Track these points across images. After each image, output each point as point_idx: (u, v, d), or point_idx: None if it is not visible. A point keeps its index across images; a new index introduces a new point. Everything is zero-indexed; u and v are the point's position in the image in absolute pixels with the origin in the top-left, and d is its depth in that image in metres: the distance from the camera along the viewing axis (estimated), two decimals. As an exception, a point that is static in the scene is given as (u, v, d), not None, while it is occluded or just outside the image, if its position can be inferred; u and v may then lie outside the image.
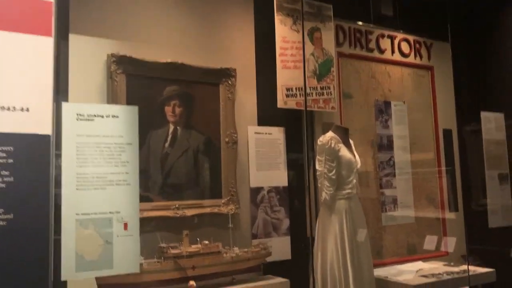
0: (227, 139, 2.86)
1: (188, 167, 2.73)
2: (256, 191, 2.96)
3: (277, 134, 3.08)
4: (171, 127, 2.70)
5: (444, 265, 3.30)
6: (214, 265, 2.50)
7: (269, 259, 2.78)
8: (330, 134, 2.80)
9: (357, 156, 2.88)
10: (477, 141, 3.64)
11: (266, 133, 3.04)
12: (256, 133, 3.01)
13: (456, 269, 3.09)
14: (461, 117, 3.78)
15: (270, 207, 2.99)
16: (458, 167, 3.83)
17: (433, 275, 2.90)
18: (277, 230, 2.99)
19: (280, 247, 2.97)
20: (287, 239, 3.02)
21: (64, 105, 1.83)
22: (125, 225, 1.84)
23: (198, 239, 2.53)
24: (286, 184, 3.07)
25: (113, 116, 1.89)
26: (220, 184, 2.83)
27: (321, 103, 3.11)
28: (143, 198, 2.56)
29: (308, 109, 3.05)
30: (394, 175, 2.95)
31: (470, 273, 2.99)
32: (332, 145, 2.73)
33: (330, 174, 2.72)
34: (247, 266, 2.62)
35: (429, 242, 3.79)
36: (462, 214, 3.71)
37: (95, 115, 1.85)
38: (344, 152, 2.78)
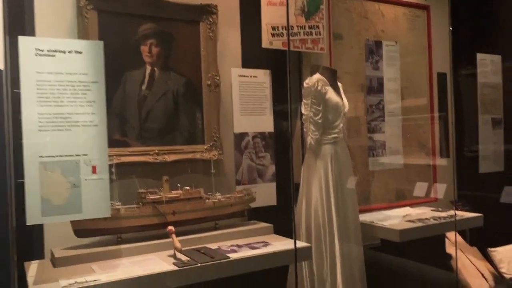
0: (209, 82, 2.72)
1: (168, 111, 2.60)
2: (240, 136, 2.85)
3: (262, 77, 2.93)
4: (148, 68, 2.55)
5: (432, 210, 3.26)
6: (195, 211, 2.44)
7: (253, 205, 2.72)
8: (317, 76, 2.66)
9: (345, 100, 2.76)
10: (472, 85, 3.50)
11: (251, 76, 2.90)
12: (240, 75, 2.86)
13: (443, 214, 3.05)
14: (457, 59, 3.63)
15: (255, 153, 2.90)
16: (451, 112, 3.73)
17: (419, 220, 2.87)
18: (262, 176, 2.92)
19: (265, 193, 2.90)
20: (273, 185, 2.95)
21: (21, 39, 1.67)
22: (94, 168, 1.74)
23: (179, 185, 2.45)
24: (272, 129, 2.96)
25: (76, 52, 1.73)
26: (202, 129, 2.72)
27: (309, 44, 2.93)
28: (120, 143, 2.46)
29: (294, 49, 2.88)
30: (383, 119, 2.84)
31: (458, 218, 2.95)
32: (319, 88, 2.60)
33: (316, 118, 2.61)
34: (230, 212, 2.56)
35: (419, 188, 3.76)
36: (453, 160, 3.65)
37: (55, 51, 1.70)
38: (331, 95, 2.65)
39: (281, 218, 2.83)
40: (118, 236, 2.27)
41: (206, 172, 2.70)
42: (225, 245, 2.35)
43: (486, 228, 3.37)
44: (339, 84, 2.83)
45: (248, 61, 2.93)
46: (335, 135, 2.65)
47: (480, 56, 3.36)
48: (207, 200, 2.49)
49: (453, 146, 3.60)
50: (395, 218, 2.94)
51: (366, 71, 2.80)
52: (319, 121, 2.61)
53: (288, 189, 2.97)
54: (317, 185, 2.62)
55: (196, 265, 2.00)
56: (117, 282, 1.81)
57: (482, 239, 3.65)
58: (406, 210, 3.24)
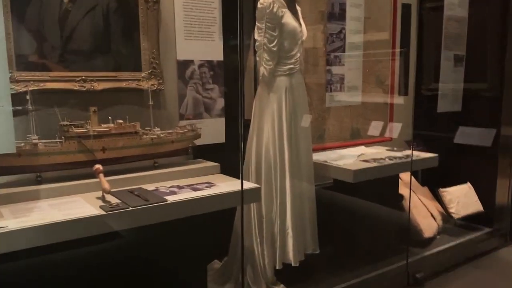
0: (147, -2, 2.31)
1: (97, 30, 2.20)
2: (184, 64, 2.51)
3: (210, -5, 2.55)
4: (71, -24, 2.11)
5: (387, 150, 3.14)
6: (129, 147, 2.14)
7: (199, 142, 2.45)
8: (267, -4, 2.32)
9: (303, 25, 2.46)
10: (437, 18, 3.28)
11: (197, -6, 2.51)
12: (184, -8, 2.46)
13: (399, 154, 2.93)
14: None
15: (202, 84, 2.58)
16: (414, 47, 3.52)
17: (374, 159, 2.73)
18: (209, 110, 2.63)
19: (213, 130, 2.64)
20: (221, 120, 2.68)
21: None
22: (-11, 93, 1.38)
23: (110, 117, 2.12)
24: (221, 58, 2.63)
25: None
26: (139, 54, 2.34)
27: (265, -41, 2.55)
28: (37, 67, 2.07)
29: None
30: (344, 50, 2.58)
31: (415, 158, 2.84)
32: (274, 10, 2.27)
33: (271, 46, 2.31)
34: (171, 150, 2.28)
35: (374, 128, 3.62)
36: (412, 98, 3.50)
37: None
38: (288, 19, 2.34)
39: (229, 157, 2.58)
40: (38, 175, 1.95)
41: (143, 104, 2.36)
42: (164, 186, 2.10)
43: (439, 168, 3.33)
44: (298, 8, 2.51)
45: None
46: (291, 66, 2.37)
47: (447, -14, 3.12)
48: (144, 136, 2.19)
49: (413, 84, 3.43)
50: (350, 158, 2.78)
51: (328, -6, 2.50)
52: (274, 49, 2.31)
53: (238, 125, 2.72)
54: (269, 120, 2.38)
55: (127, 209, 1.74)
56: (29, 229, 1.52)
57: (434, 179, 3.62)
58: (361, 149, 3.10)
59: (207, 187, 2.09)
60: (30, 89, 1.98)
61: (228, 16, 2.61)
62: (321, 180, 2.92)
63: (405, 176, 3.40)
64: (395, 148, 3.17)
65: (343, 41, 2.58)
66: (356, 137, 3.34)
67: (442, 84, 3.21)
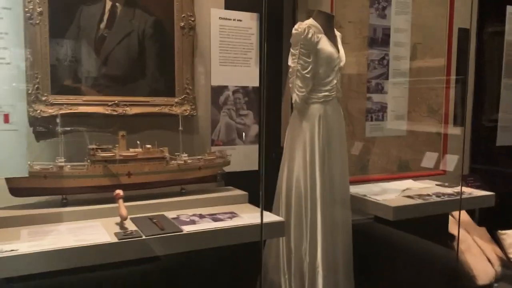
0: (182, 23, 2.32)
1: (131, 55, 2.23)
2: (218, 90, 2.48)
3: (248, 21, 2.52)
4: (109, 3, 2.16)
5: (437, 185, 2.88)
6: (156, 173, 2.12)
7: (232, 169, 2.39)
8: (309, 21, 2.24)
9: (341, 52, 2.33)
10: (498, 44, 3.02)
11: (234, 19, 2.48)
12: (221, 18, 2.45)
13: (449, 190, 2.67)
14: (483, 13, 3.12)
15: (236, 110, 2.53)
16: (472, 74, 3.26)
17: (420, 195, 2.50)
18: (243, 137, 2.56)
19: (245, 157, 2.56)
20: (255, 147, 2.60)
21: None
22: (6, 117, 1.41)
23: (138, 142, 2.12)
24: (256, 84, 2.57)
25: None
26: (173, 79, 2.35)
27: (305, -16, 2.49)
28: (71, 91, 2.12)
29: (287, -10, 2.44)
30: (387, 77, 2.41)
31: (465, 196, 2.57)
32: (309, 35, 2.18)
33: (304, 72, 2.21)
34: (199, 176, 2.23)
35: (428, 159, 3.37)
36: (465, 129, 3.22)
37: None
38: (324, 44, 2.23)
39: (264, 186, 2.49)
40: (63, 197, 1.97)
41: (175, 129, 2.34)
42: (186, 214, 2.04)
43: (499, 207, 3.00)
44: (337, 33, 2.40)
45: (233, 2, 2.50)
46: (326, 93, 2.25)
47: (510, 9, 2.86)
48: (171, 162, 2.16)
49: (468, 113, 3.16)
50: (393, 192, 2.57)
51: (370, 19, 2.35)
52: (308, 75, 2.21)
53: (273, 153, 2.62)
54: (301, 149, 2.26)
55: (140, 238, 1.70)
56: (38, 254, 1.51)
57: (493, 220, 3.27)
58: (408, 183, 2.87)
59: (229, 217, 2.01)
60: (61, 112, 2.03)
61: (266, 42, 2.56)
62: (362, 215, 2.73)
63: (458, 214, 3.10)
64: (446, 184, 2.90)
65: (386, 67, 2.42)
66: (404, 170, 3.11)
67: (503, 114, 2.91)
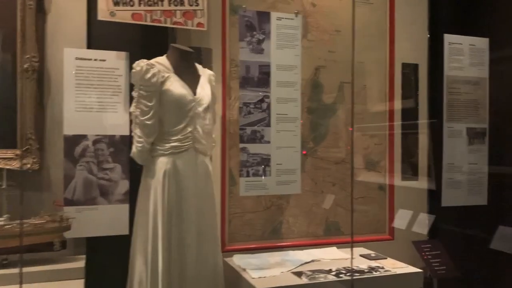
0: (26, 65, 2.03)
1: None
2: (73, 140, 2.12)
3: (114, 61, 2.17)
4: None
5: (362, 255, 2.30)
6: (-39, 241, 1.77)
7: (97, 233, 2.01)
8: (155, 59, 1.87)
9: (204, 93, 1.92)
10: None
11: (95, 59, 2.15)
12: (78, 58, 2.13)
13: (372, 263, 2.10)
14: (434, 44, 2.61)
15: (97, 164, 2.15)
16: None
17: (314, 272, 1.94)
18: (107, 195, 2.16)
19: (111, 219, 2.15)
20: (125, 207, 2.18)
21: None
22: None
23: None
24: (127, 132, 2.19)
25: None
26: (15, 129, 2.04)
27: (178, 17, 2.13)
28: None
29: (152, 23, 2.10)
30: (269, 124, 1.94)
31: (381, 273, 1.98)
32: (148, 75, 1.80)
33: (144, 118, 1.81)
34: (21, 244, 1.85)
35: (401, 218, 2.82)
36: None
37: None
38: (172, 85, 1.84)
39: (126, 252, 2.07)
40: None
41: (24, 186, 2.02)
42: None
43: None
44: (207, 72, 2.00)
45: (100, 41, 2.19)
46: (176, 144, 1.83)
47: (449, 38, 2.34)
48: (-13, 227, 1.80)
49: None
50: (288, 266, 2.05)
51: (241, 54, 1.93)
52: (148, 122, 1.81)
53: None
54: (143, 216, 1.83)
55: None
56: None
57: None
58: (324, 252, 2.32)
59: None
60: None
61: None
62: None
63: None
64: (372, 254, 2.32)
65: (266, 111, 1.96)
66: (334, 233, 2.56)
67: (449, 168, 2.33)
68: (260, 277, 1.88)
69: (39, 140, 2.07)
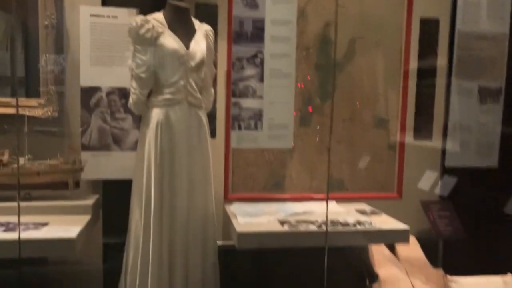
0: (46, 22, 2.24)
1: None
2: (89, 91, 2.33)
3: (126, 18, 2.32)
4: (-36, 5, 2.18)
5: (357, 210, 2.34)
6: (-10, 176, 2.07)
7: (109, 176, 2.28)
8: (151, 15, 1.98)
9: (197, 48, 2.01)
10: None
11: (108, 16, 2.32)
12: (92, 15, 2.30)
13: (362, 218, 2.15)
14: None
15: (111, 113, 2.36)
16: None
17: (305, 221, 2.03)
18: (119, 142, 2.38)
19: (121, 165, 2.37)
20: (134, 155, 2.39)
21: None
22: None
23: (-21, 144, 2.09)
24: (137, 85, 2.36)
25: None
26: (38, 80, 2.28)
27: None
28: None
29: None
30: (262, 79, 1.99)
31: (367, 227, 2.02)
32: (142, 30, 1.92)
33: (138, 71, 1.96)
34: (40, 182, 2.12)
35: (427, 179, 2.83)
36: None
37: None
38: (166, 40, 1.95)
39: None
40: None
41: (45, 132, 2.29)
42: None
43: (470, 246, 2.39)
44: (203, 27, 2.08)
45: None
46: (168, 96, 1.96)
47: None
48: (12, 166, 2.09)
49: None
50: (278, 214, 2.15)
51: (234, 8, 1.95)
52: (142, 75, 1.95)
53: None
54: (140, 164, 2.01)
55: None
56: None
57: (460, 262, 2.58)
58: (318, 205, 2.39)
59: (36, 228, 1.86)
60: None
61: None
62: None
63: (405, 250, 2.51)
64: (367, 210, 2.35)
65: (259, 67, 2.00)
66: (337, 189, 2.61)
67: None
68: (246, 223, 2.01)
69: (59, 91, 2.30)
